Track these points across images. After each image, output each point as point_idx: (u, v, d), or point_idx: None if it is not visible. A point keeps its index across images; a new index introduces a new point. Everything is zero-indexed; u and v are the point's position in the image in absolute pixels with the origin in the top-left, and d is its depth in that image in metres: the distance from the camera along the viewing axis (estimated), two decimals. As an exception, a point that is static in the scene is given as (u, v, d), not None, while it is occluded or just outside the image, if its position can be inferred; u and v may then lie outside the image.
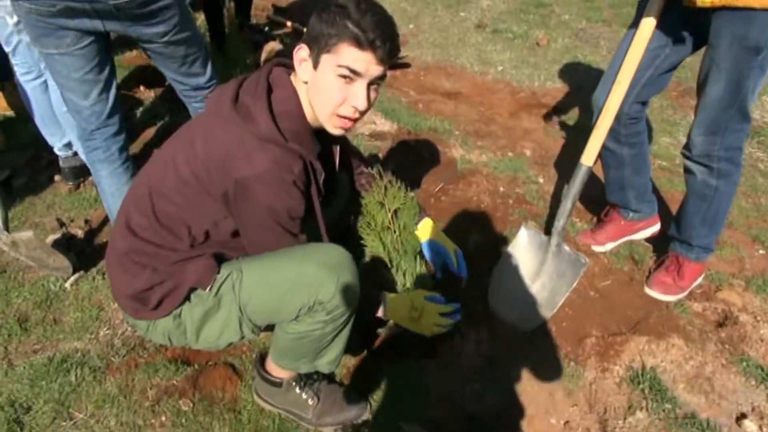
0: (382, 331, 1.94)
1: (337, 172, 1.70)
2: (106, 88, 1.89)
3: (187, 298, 1.41)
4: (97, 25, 1.71)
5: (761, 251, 2.31)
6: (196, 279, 1.38)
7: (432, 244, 1.87)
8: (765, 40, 1.49)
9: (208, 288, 1.38)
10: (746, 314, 1.94)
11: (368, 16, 1.25)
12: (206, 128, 1.33)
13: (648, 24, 1.62)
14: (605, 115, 1.74)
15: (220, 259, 1.43)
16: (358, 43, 1.25)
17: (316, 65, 1.31)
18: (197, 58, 2.02)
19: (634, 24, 1.75)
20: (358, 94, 1.31)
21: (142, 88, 3.44)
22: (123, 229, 1.41)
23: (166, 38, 1.85)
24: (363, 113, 1.37)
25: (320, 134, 1.49)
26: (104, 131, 1.96)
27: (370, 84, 1.32)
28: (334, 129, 1.39)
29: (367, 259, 1.94)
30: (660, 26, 1.66)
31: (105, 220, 2.42)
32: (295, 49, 1.34)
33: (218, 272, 1.39)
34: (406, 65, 3.99)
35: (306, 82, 1.35)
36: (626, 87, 1.70)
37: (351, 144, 1.91)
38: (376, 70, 1.30)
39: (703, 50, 1.74)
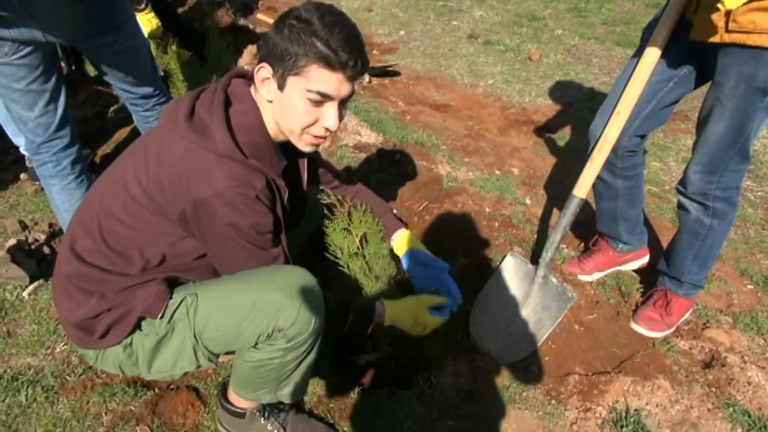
0: (359, 360, 1.85)
1: (307, 189, 1.63)
2: (52, 99, 1.77)
3: (138, 326, 1.31)
4: (36, 34, 1.58)
5: (749, 286, 2.26)
6: (145, 307, 1.27)
7: (412, 253, 1.79)
8: None
9: (159, 316, 1.28)
10: (733, 355, 1.88)
11: (336, 32, 1.17)
12: (160, 144, 1.24)
13: (652, 55, 1.55)
14: (602, 147, 1.67)
15: (173, 284, 1.33)
16: (329, 65, 1.18)
17: (281, 86, 1.23)
18: (144, 68, 1.94)
19: (638, 53, 1.68)
20: (329, 115, 1.26)
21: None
22: (68, 253, 1.31)
23: (111, 49, 1.75)
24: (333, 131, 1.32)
25: (285, 148, 1.43)
26: (53, 144, 1.83)
27: (340, 102, 1.27)
28: (305, 147, 1.33)
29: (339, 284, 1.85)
30: (664, 59, 1.59)
31: (70, 225, 2.30)
32: (256, 68, 1.26)
33: (170, 298, 1.30)
34: (396, 73, 3.91)
35: (270, 101, 1.28)
36: (626, 118, 1.62)
37: (322, 159, 1.83)
38: (346, 89, 1.25)
39: (705, 84, 1.67)
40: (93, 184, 1.37)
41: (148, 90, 2.01)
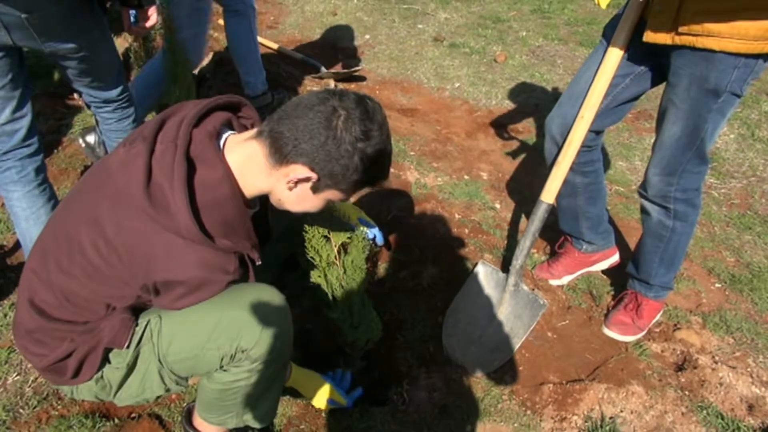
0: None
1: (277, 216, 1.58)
2: (19, 107, 1.71)
3: (106, 359, 1.25)
4: (5, 39, 1.53)
5: (717, 284, 2.28)
6: (111, 337, 1.20)
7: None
8: (725, 83, 1.42)
9: (126, 345, 1.22)
10: (704, 355, 1.88)
11: (390, 161, 1.23)
12: (116, 212, 1.10)
13: (613, 57, 1.54)
14: (567, 151, 1.65)
15: (138, 311, 1.26)
16: (372, 187, 1.33)
17: (317, 191, 1.19)
18: (111, 73, 1.90)
19: (598, 50, 1.66)
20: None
21: (76, 95, 3.19)
22: (28, 307, 1.22)
23: (81, 54, 1.70)
24: None
25: None
26: (19, 151, 1.76)
27: None
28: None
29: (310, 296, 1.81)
30: (623, 56, 1.58)
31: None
32: (292, 167, 1.14)
33: (137, 325, 1.23)
34: (361, 78, 3.86)
35: (288, 188, 1.20)
36: (590, 121, 1.61)
37: None
38: None
39: (662, 83, 1.67)
40: (41, 235, 1.26)
41: (112, 94, 1.97)
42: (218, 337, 1.18)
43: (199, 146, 1.13)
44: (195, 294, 1.16)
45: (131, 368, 1.26)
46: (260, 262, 1.25)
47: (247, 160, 1.17)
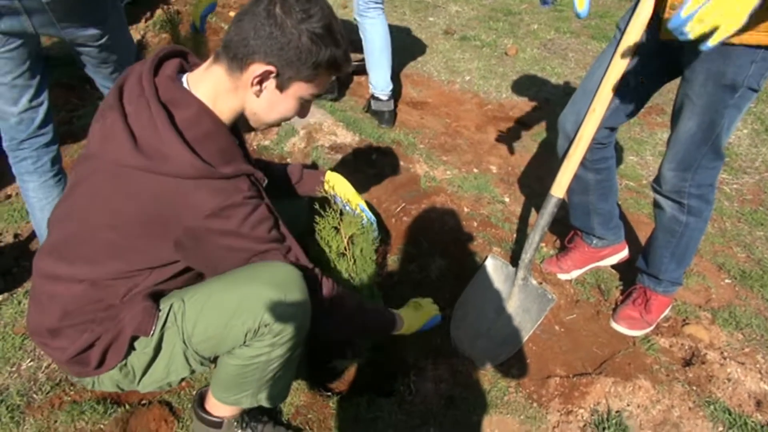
0: (339, 366, 1.82)
1: (289, 201, 1.59)
2: (37, 95, 1.73)
3: (131, 347, 1.27)
4: (26, 25, 1.55)
5: (727, 280, 2.26)
6: (136, 326, 1.23)
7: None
8: (742, 78, 1.40)
9: (151, 333, 1.24)
10: (713, 351, 1.88)
11: (344, 37, 1.21)
12: (119, 183, 1.14)
13: (625, 52, 1.53)
14: (578, 145, 1.64)
15: (157, 296, 1.29)
16: (338, 71, 1.24)
17: (283, 88, 1.21)
18: (130, 61, 1.89)
19: (612, 45, 1.65)
20: (308, 110, 1.31)
21: (88, 86, 3.22)
22: (49, 305, 1.25)
23: (101, 42, 1.72)
24: None
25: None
26: (35, 141, 1.79)
27: None
28: (259, 127, 1.34)
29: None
30: (636, 53, 1.57)
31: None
32: (255, 68, 1.17)
33: (159, 310, 1.26)
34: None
35: (256, 94, 1.21)
36: (601, 115, 1.60)
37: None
38: None
39: (677, 78, 1.66)
40: (49, 237, 1.28)
41: None
42: (242, 313, 1.21)
43: (167, 91, 1.16)
44: (229, 222, 1.16)
45: (157, 352, 1.29)
46: (267, 181, 1.29)
47: (214, 86, 1.20)
